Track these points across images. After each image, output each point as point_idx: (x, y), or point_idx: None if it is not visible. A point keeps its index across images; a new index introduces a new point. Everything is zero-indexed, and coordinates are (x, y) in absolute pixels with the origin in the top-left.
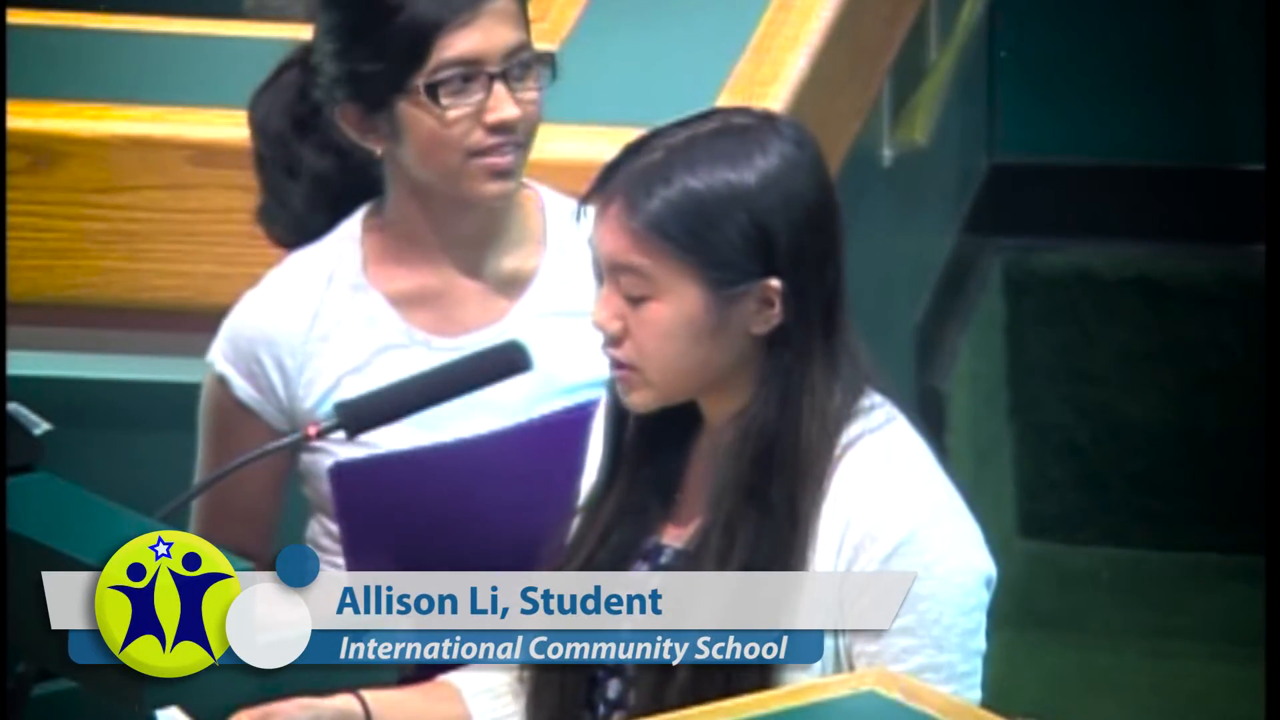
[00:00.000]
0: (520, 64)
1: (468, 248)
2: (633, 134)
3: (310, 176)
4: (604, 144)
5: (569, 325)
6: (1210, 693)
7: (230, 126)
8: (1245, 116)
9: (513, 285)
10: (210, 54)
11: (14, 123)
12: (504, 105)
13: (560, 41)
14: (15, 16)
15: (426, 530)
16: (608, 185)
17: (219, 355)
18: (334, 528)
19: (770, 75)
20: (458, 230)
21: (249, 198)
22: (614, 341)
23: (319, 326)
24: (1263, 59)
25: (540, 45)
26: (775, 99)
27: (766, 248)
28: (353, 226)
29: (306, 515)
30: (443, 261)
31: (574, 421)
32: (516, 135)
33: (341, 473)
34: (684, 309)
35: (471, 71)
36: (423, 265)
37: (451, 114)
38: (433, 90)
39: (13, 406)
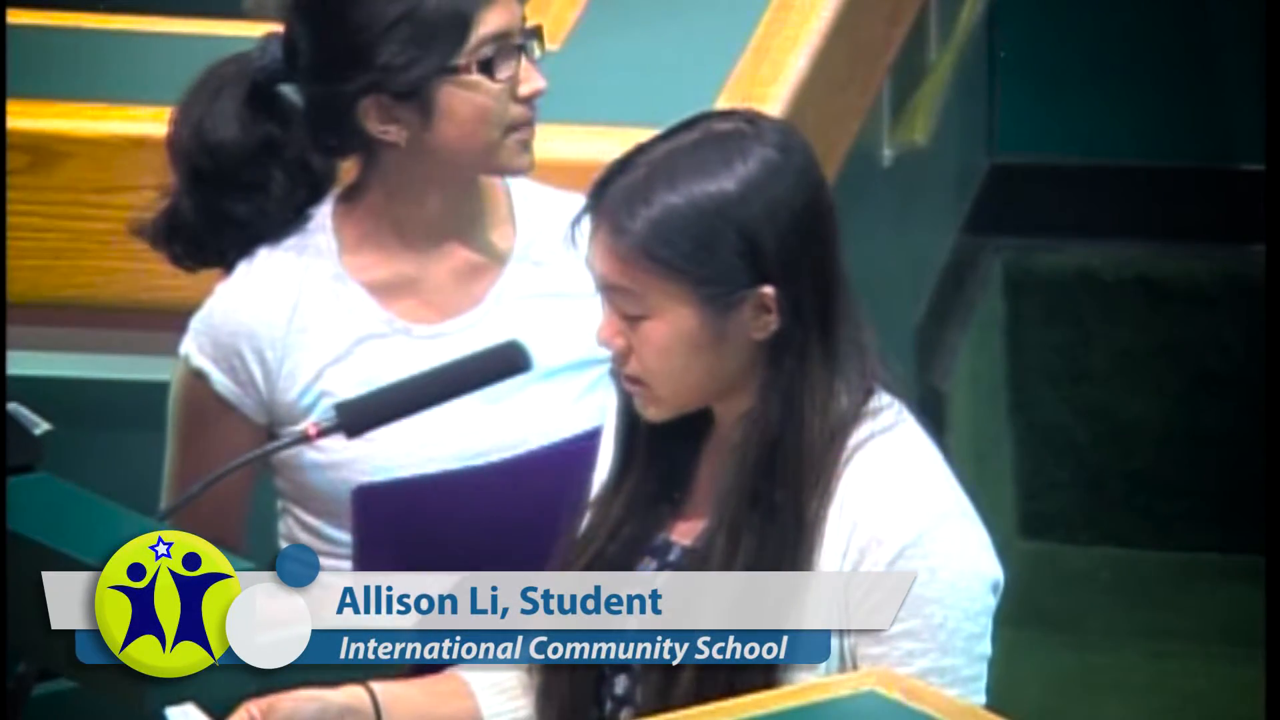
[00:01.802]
0: (532, 30)
1: (444, 233)
2: (633, 134)
3: (278, 190)
4: (604, 144)
5: (546, 306)
6: (1210, 693)
7: None
8: (1245, 116)
9: (488, 269)
10: (210, 54)
11: (14, 123)
12: (534, 76)
13: (560, 41)
14: (15, 16)
15: (444, 554)
16: (596, 206)
17: (195, 349)
18: (311, 520)
19: (770, 75)
20: (438, 216)
21: None
22: (621, 358)
23: (299, 318)
24: (1263, 59)
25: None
26: (775, 99)
27: (755, 256)
28: (323, 217)
29: (275, 507)
30: (419, 248)
31: (591, 450)
32: (535, 108)
33: (363, 496)
34: (679, 326)
35: (503, 46)
36: (399, 252)
37: (499, 87)
38: (486, 65)
39: (13, 406)
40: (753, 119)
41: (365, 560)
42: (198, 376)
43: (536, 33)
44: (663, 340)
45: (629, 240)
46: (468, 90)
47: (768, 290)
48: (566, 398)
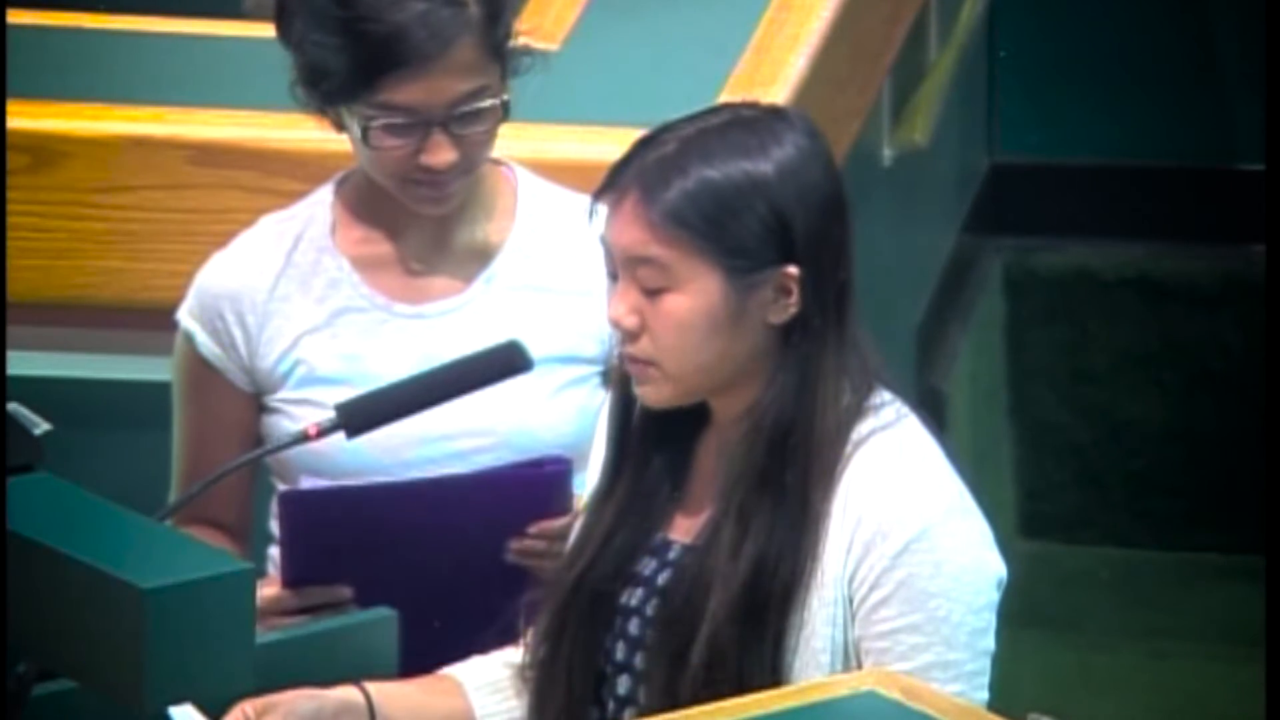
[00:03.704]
0: (468, 111)
1: (435, 218)
2: (633, 134)
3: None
4: (604, 144)
5: (534, 299)
6: (1210, 693)
7: (230, 126)
8: (1245, 116)
9: (479, 257)
10: (210, 54)
11: (14, 123)
12: (439, 151)
13: (560, 41)
14: (15, 16)
15: (367, 568)
16: (621, 180)
17: (185, 312)
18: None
19: (770, 75)
20: None
21: (249, 198)
22: (631, 337)
23: (282, 286)
24: (1263, 59)
25: (540, 45)
26: (775, 99)
27: (785, 235)
28: (325, 191)
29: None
30: (409, 230)
31: (531, 480)
32: (454, 171)
33: (288, 502)
34: (704, 299)
35: (410, 120)
36: (389, 232)
37: (381, 153)
38: (365, 131)
39: (13, 406)
40: (775, 108)
41: (290, 564)
42: (187, 339)
43: (495, 101)
44: (683, 314)
45: (661, 207)
46: (358, 136)
47: (792, 270)
48: (540, 391)
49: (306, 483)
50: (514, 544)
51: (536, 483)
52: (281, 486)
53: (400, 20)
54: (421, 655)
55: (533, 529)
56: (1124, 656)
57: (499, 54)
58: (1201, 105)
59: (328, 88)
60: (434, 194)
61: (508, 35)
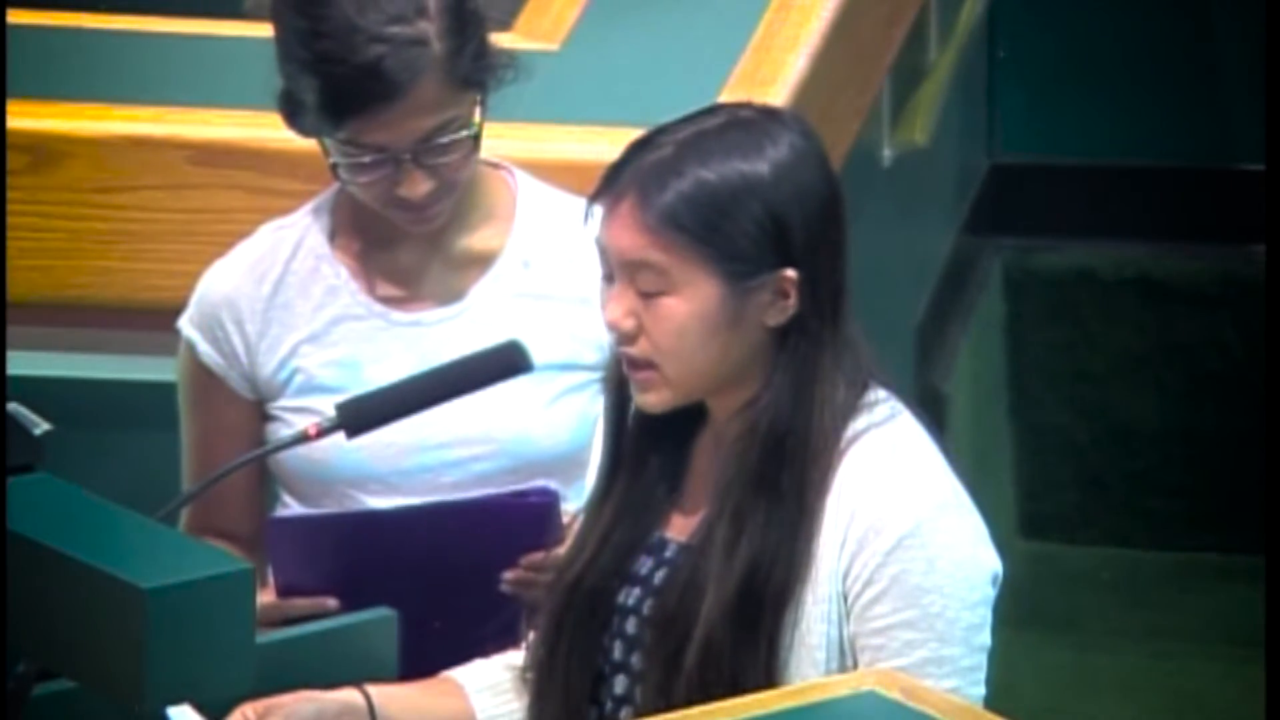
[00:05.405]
0: (438, 144)
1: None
2: (633, 134)
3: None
4: (604, 144)
5: (532, 306)
6: (1210, 693)
7: (230, 126)
8: (1245, 116)
9: (477, 263)
10: (210, 54)
11: (14, 123)
12: (414, 183)
13: (560, 41)
14: (15, 16)
15: (352, 594)
16: (617, 183)
17: (186, 319)
18: (287, 499)
19: (770, 75)
20: None
21: (249, 198)
22: (629, 339)
23: (281, 294)
24: (1263, 59)
25: (540, 45)
26: (775, 99)
27: (782, 238)
28: (326, 198)
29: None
30: (407, 237)
31: (514, 511)
32: (433, 198)
33: (274, 528)
34: (700, 302)
35: (379, 157)
36: (388, 239)
37: (353, 187)
38: (335, 167)
39: (13, 406)
40: (770, 109)
41: (281, 586)
42: (189, 348)
43: (465, 131)
44: (681, 318)
45: (657, 211)
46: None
47: (790, 273)
48: (539, 399)
49: (294, 509)
50: (508, 575)
51: (520, 514)
52: (279, 510)
53: (361, 63)
54: (407, 679)
55: (523, 561)
56: (1124, 656)
57: (469, 82)
58: (1201, 105)
59: (300, 122)
60: (416, 217)
61: (480, 58)
